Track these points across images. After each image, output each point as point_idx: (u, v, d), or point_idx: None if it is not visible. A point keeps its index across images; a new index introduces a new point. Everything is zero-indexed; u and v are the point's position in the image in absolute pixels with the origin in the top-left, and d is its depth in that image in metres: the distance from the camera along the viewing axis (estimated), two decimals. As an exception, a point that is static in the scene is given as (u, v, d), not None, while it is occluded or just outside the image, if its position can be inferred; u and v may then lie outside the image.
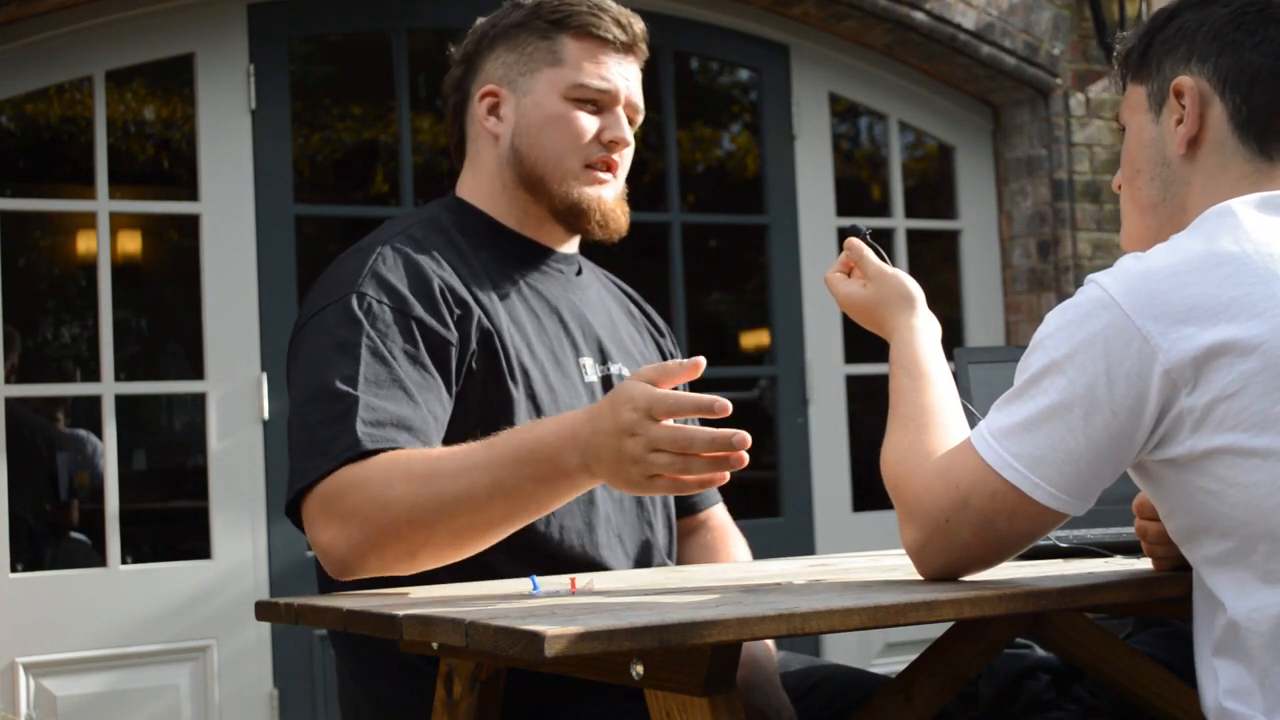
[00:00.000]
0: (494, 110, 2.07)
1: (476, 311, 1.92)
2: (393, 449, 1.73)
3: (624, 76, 2.06)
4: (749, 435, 1.54)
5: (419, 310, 1.87)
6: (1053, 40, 4.99)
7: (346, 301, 1.86)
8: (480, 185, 2.09)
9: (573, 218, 2.04)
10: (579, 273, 2.14)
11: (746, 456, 1.55)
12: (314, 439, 1.76)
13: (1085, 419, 1.44)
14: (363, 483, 1.71)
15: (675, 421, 1.56)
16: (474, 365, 1.89)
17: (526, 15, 2.06)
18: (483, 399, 1.90)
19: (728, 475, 1.57)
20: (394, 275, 1.89)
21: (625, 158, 2.08)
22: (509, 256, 2.04)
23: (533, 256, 2.07)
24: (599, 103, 2.04)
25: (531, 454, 1.66)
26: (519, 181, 2.05)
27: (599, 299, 2.15)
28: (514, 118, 2.05)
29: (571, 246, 2.14)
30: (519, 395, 1.91)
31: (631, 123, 2.08)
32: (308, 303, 1.94)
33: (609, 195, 2.05)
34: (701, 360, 1.59)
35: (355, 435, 1.73)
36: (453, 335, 1.88)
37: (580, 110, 2.03)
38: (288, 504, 1.78)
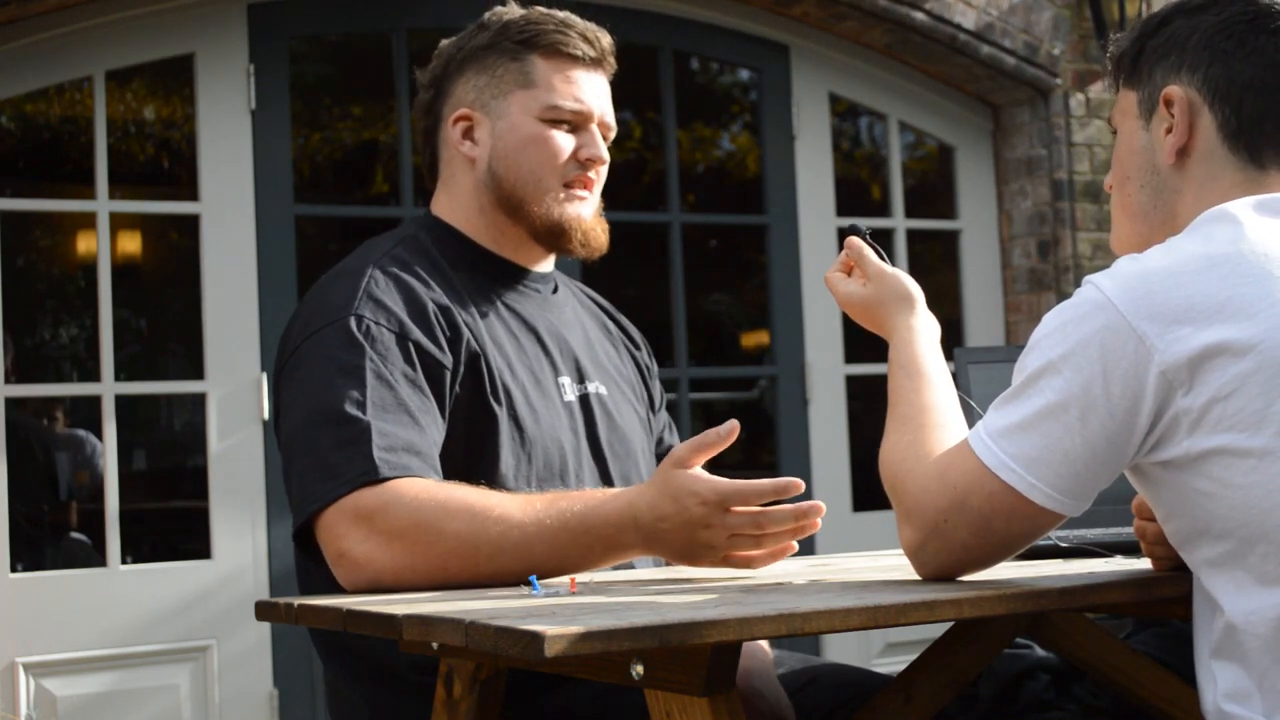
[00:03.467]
0: (468, 134, 2.06)
1: (465, 333, 1.92)
2: (407, 475, 1.74)
3: (596, 94, 2.07)
4: (824, 505, 1.67)
5: (417, 334, 1.87)
6: (1053, 40, 4.99)
7: (345, 324, 1.85)
8: (456, 207, 2.08)
9: (553, 238, 2.05)
10: (554, 291, 2.14)
11: (819, 524, 1.68)
12: (325, 463, 1.75)
13: (1082, 419, 1.44)
14: (414, 507, 1.71)
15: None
16: (460, 387, 1.90)
17: (494, 37, 2.06)
18: (467, 418, 1.90)
19: (795, 545, 1.72)
20: (389, 298, 1.88)
21: (601, 175, 2.09)
22: (486, 277, 2.04)
23: (509, 277, 2.07)
24: (573, 122, 2.05)
25: (594, 527, 1.72)
26: (497, 204, 2.05)
27: (575, 317, 2.16)
28: (490, 141, 2.05)
29: (547, 265, 2.13)
30: (502, 415, 1.92)
31: (604, 139, 2.08)
32: (298, 326, 1.93)
33: (587, 213, 2.06)
34: (736, 426, 1.68)
35: (372, 461, 1.73)
36: (447, 359, 1.88)
37: (555, 130, 2.04)
38: (298, 526, 1.77)
